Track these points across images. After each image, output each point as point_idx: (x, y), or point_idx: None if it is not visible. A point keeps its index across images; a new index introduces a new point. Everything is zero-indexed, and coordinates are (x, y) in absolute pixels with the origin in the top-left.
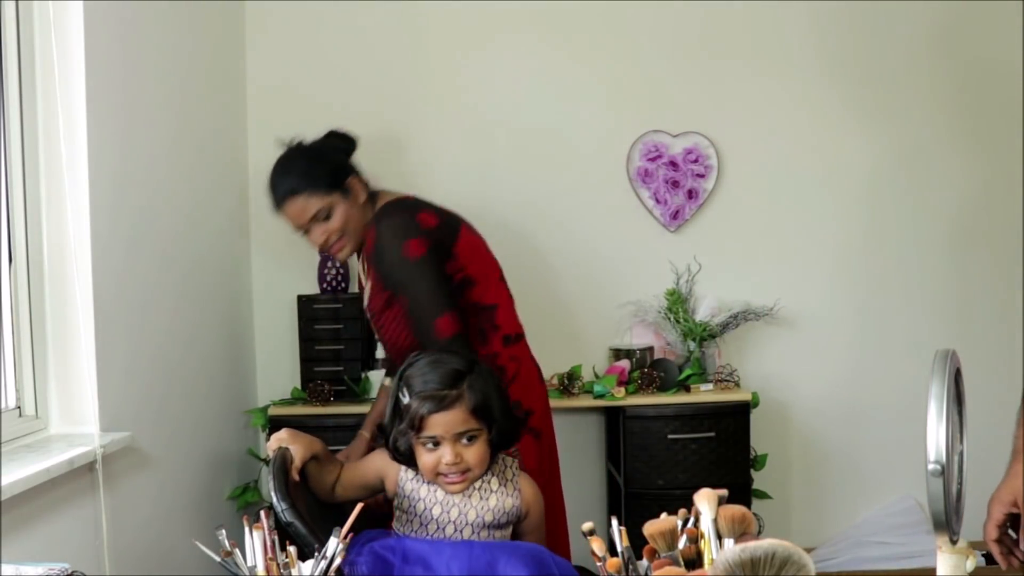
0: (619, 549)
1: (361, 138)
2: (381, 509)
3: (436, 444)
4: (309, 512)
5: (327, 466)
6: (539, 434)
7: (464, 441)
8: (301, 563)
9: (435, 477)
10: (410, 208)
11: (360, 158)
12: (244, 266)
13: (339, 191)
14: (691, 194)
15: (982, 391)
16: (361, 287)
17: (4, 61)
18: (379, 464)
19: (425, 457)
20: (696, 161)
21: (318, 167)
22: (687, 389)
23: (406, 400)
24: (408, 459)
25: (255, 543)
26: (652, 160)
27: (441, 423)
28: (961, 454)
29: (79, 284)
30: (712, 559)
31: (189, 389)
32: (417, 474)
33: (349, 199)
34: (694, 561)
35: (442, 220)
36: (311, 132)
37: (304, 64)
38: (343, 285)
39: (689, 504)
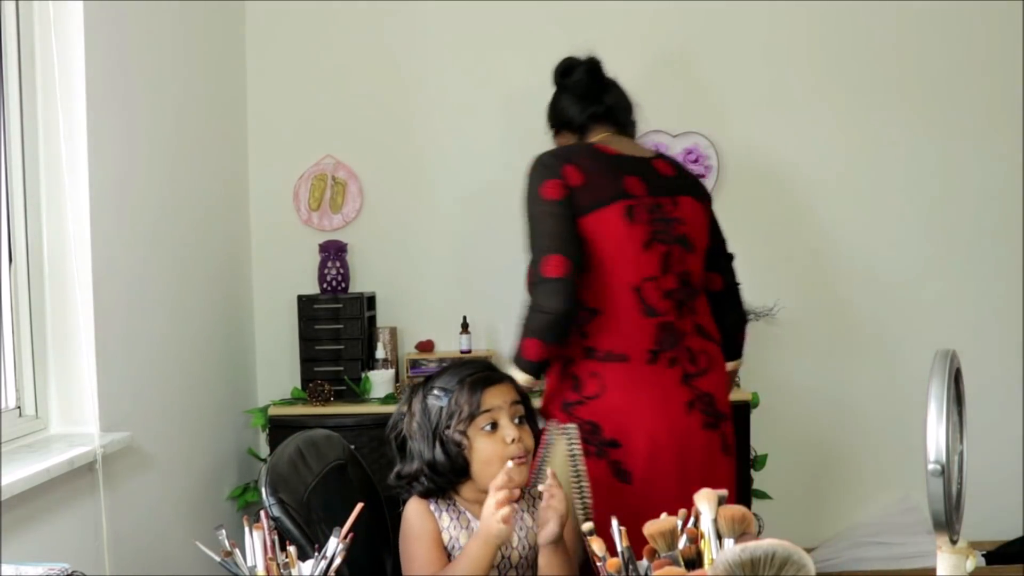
0: (619, 549)
1: (359, 139)
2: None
3: (494, 426)
4: (313, 511)
5: None
6: (628, 476)
7: (517, 421)
8: (301, 563)
9: (500, 465)
10: None
11: (362, 157)
12: (244, 266)
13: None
14: None
15: (982, 391)
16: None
17: (4, 61)
18: (429, 527)
19: (485, 444)
20: (696, 161)
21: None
22: None
23: (444, 400)
24: (454, 471)
25: (255, 543)
26: None
27: (498, 394)
28: (961, 454)
29: (79, 284)
30: (712, 559)
31: (189, 389)
32: (452, 520)
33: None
34: (694, 561)
35: None
36: (311, 130)
37: (305, 62)
38: (343, 285)
39: (689, 504)
